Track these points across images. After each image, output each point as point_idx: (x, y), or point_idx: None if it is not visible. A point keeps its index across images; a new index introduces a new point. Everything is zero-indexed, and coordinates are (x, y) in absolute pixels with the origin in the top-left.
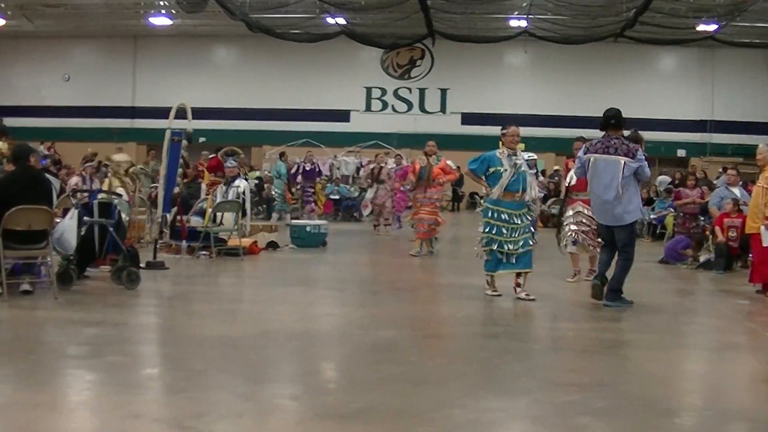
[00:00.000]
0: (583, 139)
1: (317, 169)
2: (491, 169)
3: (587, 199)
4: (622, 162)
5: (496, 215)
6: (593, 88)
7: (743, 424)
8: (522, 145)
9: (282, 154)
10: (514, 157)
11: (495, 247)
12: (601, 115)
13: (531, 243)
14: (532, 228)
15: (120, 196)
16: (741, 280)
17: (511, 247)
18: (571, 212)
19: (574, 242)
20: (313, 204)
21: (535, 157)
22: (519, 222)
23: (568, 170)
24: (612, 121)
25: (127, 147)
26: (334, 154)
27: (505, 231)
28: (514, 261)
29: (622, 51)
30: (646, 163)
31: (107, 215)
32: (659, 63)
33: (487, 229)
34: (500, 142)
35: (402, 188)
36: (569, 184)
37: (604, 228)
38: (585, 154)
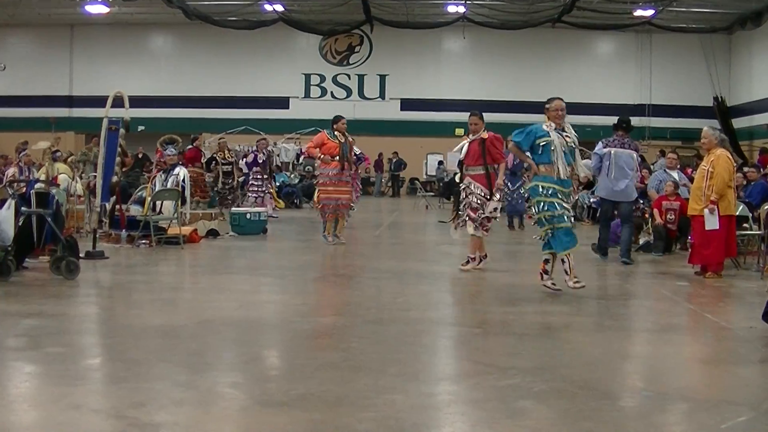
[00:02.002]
0: (478, 115)
1: (270, 159)
2: (539, 141)
3: (477, 175)
4: (635, 154)
5: (549, 192)
6: (532, 73)
7: (683, 404)
8: (461, 130)
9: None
10: (563, 132)
11: (555, 223)
12: (539, 99)
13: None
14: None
15: (57, 186)
16: (680, 262)
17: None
18: (462, 189)
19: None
20: (270, 197)
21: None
22: (566, 200)
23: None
24: (624, 125)
25: (65, 136)
26: (274, 142)
27: (558, 207)
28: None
29: (560, 36)
30: None
31: (45, 205)
32: (597, 48)
33: (544, 208)
34: (546, 117)
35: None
36: (462, 159)
37: (610, 204)
38: (604, 148)
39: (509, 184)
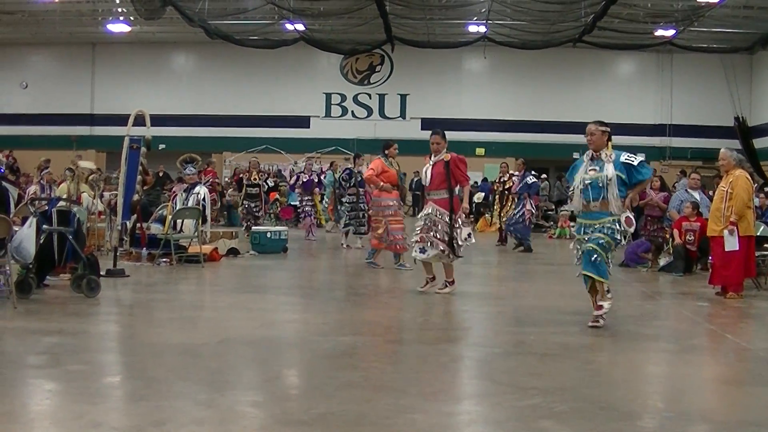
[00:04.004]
0: (441, 134)
1: (316, 180)
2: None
3: (441, 200)
4: None
5: (577, 230)
6: (553, 93)
7: (704, 425)
8: (482, 150)
9: (332, 164)
10: (594, 162)
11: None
12: (560, 119)
13: (597, 251)
14: (607, 238)
15: (79, 204)
16: (700, 282)
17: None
18: (422, 215)
19: (423, 250)
20: (312, 218)
21: (633, 159)
22: (588, 231)
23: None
24: None
25: (86, 154)
26: (294, 161)
27: (578, 245)
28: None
29: (581, 56)
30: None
31: (66, 223)
32: (618, 68)
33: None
34: None
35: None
36: (426, 183)
37: None
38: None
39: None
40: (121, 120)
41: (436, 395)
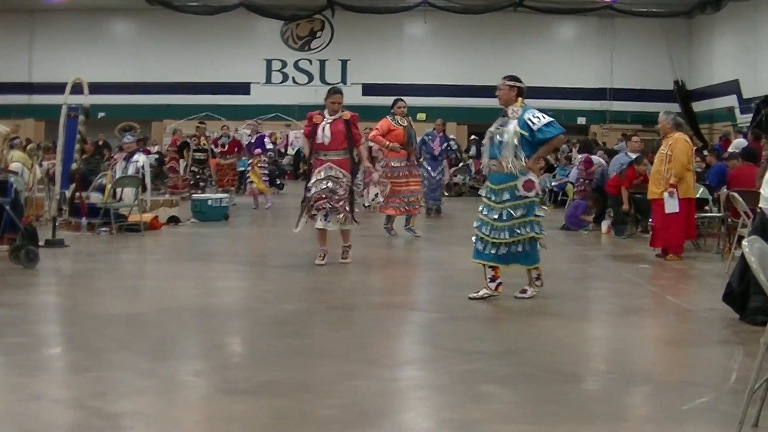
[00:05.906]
0: (342, 92)
1: (254, 142)
2: None
3: (341, 160)
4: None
5: (486, 193)
6: (494, 57)
7: (647, 386)
8: (423, 115)
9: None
10: (502, 118)
11: (476, 227)
12: None
13: (522, 232)
14: (521, 211)
15: (16, 173)
16: (641, 245)
17: (487, 231)
18: (314, 179)
19: (326, 217)
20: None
21: (537, 120)
22: (494, 199)
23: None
24: None
25: (24, 123)
26: (235, 128)
27: (484, 211)
28: (497, 252)
29: (521, 20)
30: None
31: (3, 193)
32: (559, 32)
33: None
34: None
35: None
36: (325, 142)
37: None
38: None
39: (430, 169)
40: (60, 89)
41: (379, 361)
